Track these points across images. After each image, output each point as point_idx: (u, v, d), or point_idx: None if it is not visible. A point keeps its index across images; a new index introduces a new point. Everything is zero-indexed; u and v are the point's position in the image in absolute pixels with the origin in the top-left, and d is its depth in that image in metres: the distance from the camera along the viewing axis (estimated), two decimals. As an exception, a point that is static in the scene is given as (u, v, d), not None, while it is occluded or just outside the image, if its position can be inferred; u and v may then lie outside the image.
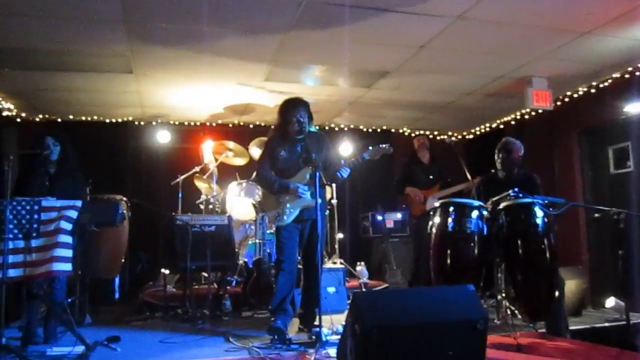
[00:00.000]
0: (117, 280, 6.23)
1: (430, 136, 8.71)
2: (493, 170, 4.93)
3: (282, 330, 4.07)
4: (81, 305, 5.07)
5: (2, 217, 3.49)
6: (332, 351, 3.45)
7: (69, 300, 4.56)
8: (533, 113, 7.23)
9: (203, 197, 7.10)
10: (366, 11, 4.52)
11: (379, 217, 7.72)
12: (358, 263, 6.94)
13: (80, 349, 3.60)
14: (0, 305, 3.37)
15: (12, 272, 3.48)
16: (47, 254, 3.54)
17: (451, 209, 4.21)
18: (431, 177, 6.48)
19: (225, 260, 5.82)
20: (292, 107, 4.37)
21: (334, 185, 6.93)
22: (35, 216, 3.57)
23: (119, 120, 7.85)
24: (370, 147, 4.38)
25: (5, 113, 6.92)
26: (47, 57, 5.44)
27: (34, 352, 3.64)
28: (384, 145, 4.38)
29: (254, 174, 4.66)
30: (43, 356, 3.60)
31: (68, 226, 3.63)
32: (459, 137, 8.96)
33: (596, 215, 6.52)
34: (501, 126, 8.17)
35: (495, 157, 4.83)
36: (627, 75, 5.94)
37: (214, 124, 8.21)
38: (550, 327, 4.12)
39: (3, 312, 3.38)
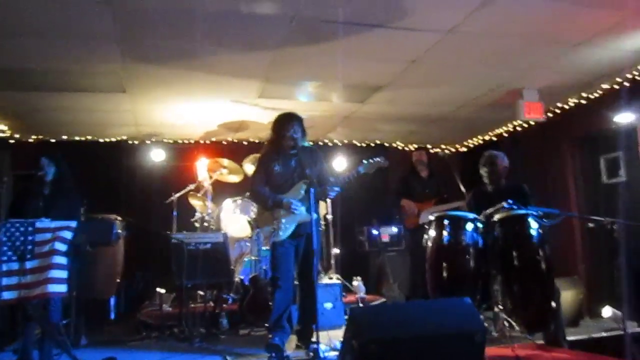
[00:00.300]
0: (112, 300, 6.18)
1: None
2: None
3: (279, 348, 4.05)
4: (77, 326, 5.02)
5: (-4, 239, 3.48)
6: (331, 367, 3.44)
7: (65, 321, 4.53)
8: (525, 125, 7.28)
9: (198, 215, 7.08)
10: (357, 27, 4.56)
11: (375, 232, 7.72)
12: (354, 278, 6.91)
13: (76, 371, 3.57)
14: (-6, 328, 3.35)
15: (6, 295, 3.46)
16: (42, 276, 3.53)
17: (446, 222, 4.22)
18: (427, 191, 6.50)
19: (221, 278, 5.79)
20: (286, 122, 4.41)
21: (328, 200, 6.94)
22: (30, 237, 3.56)
23: (113, 139, 7.85)
24: (365, 161, 4.40)
25: (-2, 135, 6.92)
26: (39, 78, 5.45)
27: (29, 375, 3.61)
28: (378, 159, 4.41)
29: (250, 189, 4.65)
30: (39, 379, 3.57)
31: (63, 247, 3.62)
32: (453, 150, 9.00)
33: (590, 225, 6.55)
34: (494, 138, 8.21)
35: (481, 171, 4.85)
36: (616, 86, 6.00)
37: (208, 142, 8.23)
38: (548, 338, 4.12)
39: (-3, 335, 3.36)
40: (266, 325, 4.37)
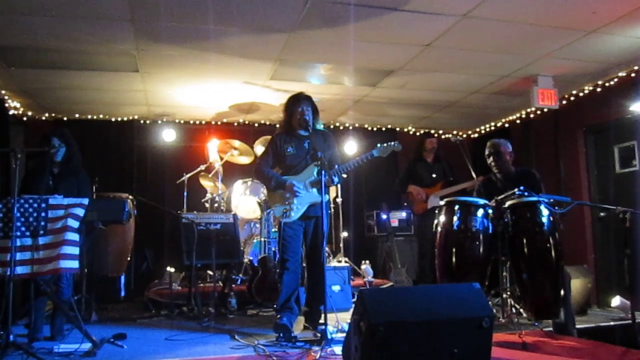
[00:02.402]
0: (122, 278, 6.26)
1: (435, 135, 8.71)
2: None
3: (287, 328, 4.09)
4: (87, 302, 5.10)
5: (9, 214, 3.51)
6: (338, 349, 3.46)
7: (76, 297, 4.59)
8: (538, 112, 7.22)
9: (208, 195, 7.12)
10: (372, 10, 4.52)
11: (384, 216, 7.73)
12: (363, 261, 6.95)
13: (87, 346, 3.62)
14: (7, 303, 3.39)
15: (19, 270, 3.50)
16: (55, 252, 3.56)
17: (456, 207, 4.21)
18: (434, 175, 6.49)
19: (231, 259, 5.84)
20: (295, 101, 4.46)
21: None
22: (43, 214, 3.59)
23: (125, 119, 7.88)
24: (379, 145, 4.41)
25: (12, 112, 6.95)
26: (53, 56, 5.47)
27: (41, 349, 3.65)
28: (392, 143, 4.42)
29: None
30: (50, 353, 3.62)
31: (75, 224, 3.65)
32: (464, 136, 8.96)
33: (602, 214, 6.49)
34: (506, 125, 8.15)
35: (488, 162, 4.83)
36: (633, 74, 5.92)
37: (219, 123, 8.23)
38: (558, 325, 4.11)
39: (10, 310, 3.40)
40: (274, 306, 4.40)
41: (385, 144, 4.40)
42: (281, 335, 4.05)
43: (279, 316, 4.22)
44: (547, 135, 7.38)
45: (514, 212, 4.06)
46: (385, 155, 4.44)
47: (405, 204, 6.82)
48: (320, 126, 4.58)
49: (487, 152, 4.83)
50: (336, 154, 4.60)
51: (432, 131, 8.63)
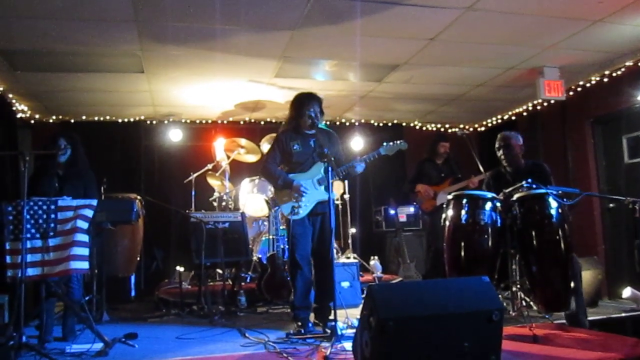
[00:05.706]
0: (133, 278, 6.29)
1: (442, 129, 8.71)
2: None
3: (307, 321, 4.20)
4: (98, 303, 5.12)
5: (19, 216, 3.54)
6: (348, 345, 3.46)
7: (86, 298, 4.62)
8: (545, 103, 7.18)
9: (216, 194, 7.14)
10: (375, 4, 4.51)
11: (392, 211, 7.71)
12: (371, 257, 6.95)
13: (98, 345, 3.65)
14: (19, 304, 3.42)
15: (30, 271, 3.53)
16: (65, 253, 3.59)
17: (464, 201, 4.20)
18: (443, 175, 6.48)
19: (240, 257, 5.85)
20: (306, 101, 4.44)
21: (345, 180, 6.95)
22: (52, 215, 3.62)
23: (132, 119, 7.91)
24: (385, 143, 4.43)
25: (19, 115, 7.00)
26: (58, 59, 5.49)
27: (53, 350, 3.69)
28: (399, 142, 4.47)
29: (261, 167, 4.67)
30: (62, 353, 3.64)
31: (84, 225, 3.68)
32: (470, 129, 8.93)
33: (611, 205, 6.49)
34: (513, 117, 8.12)
35: (498, 155, 4.79)
36: (639, 63, 5.88)
37: (225, 122, 8.25)
38: (570, 317, 4.09)
39: (23, 311, 3.43)
40: (292, 304, 4.43)
41: (392, 143, 4.44)
42: (292, 332, 4.11)
43: (297, 313, 4.30)
44: (555, 127, 7.34)
45: (522, 205, 4.04)
46: (391, 154, 4.48)
47: (415, 202, 6.81)
48: (322, 125, 4.61)
49: (497, 145, 4.79)
50: (341, 153, 4.61)
51: (439, 125, 8.62)
